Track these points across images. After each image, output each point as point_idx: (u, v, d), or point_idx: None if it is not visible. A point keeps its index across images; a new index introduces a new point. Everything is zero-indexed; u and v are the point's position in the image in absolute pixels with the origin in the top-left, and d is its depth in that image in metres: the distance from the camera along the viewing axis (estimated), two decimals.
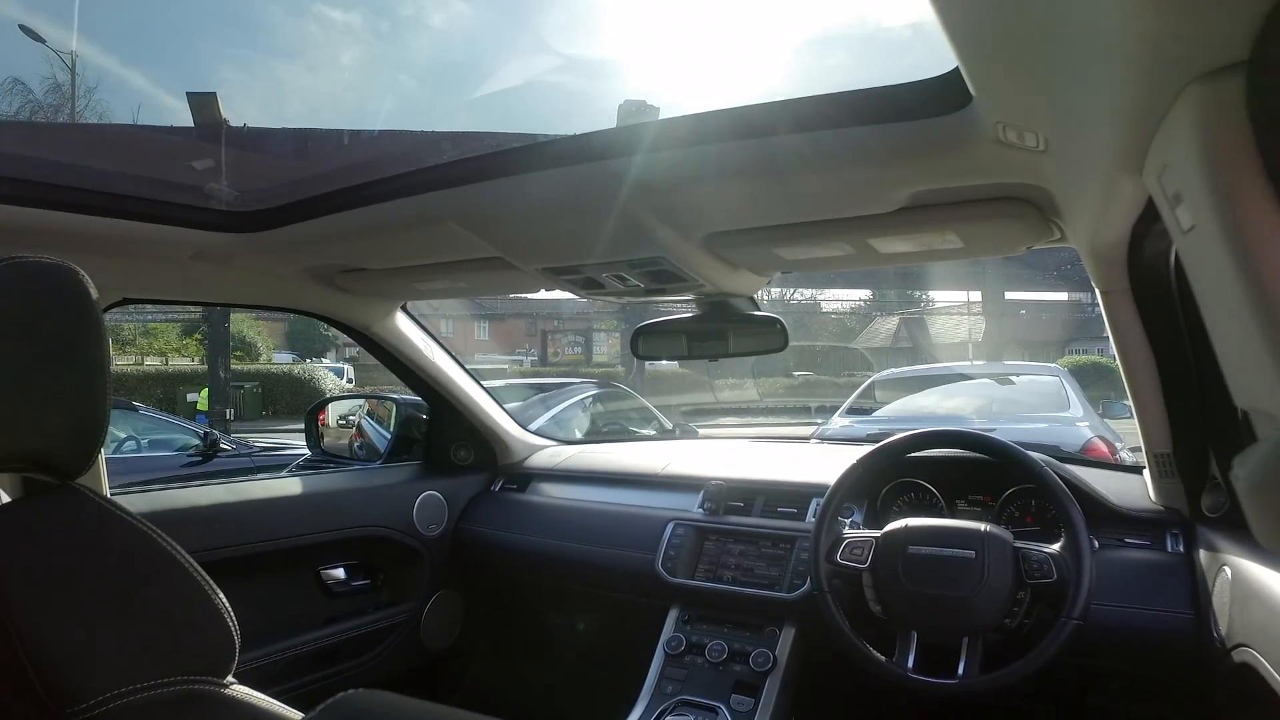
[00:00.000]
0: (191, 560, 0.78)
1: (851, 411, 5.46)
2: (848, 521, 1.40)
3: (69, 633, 0.69)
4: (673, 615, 1.49)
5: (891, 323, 26.85)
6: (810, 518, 1.44)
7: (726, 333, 1.41)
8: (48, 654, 0.68)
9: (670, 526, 1.54)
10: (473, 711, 0.59)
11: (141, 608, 0.74)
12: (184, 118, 1.38)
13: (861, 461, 1.32)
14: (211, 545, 1.36)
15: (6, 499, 0.81)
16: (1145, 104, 0.49)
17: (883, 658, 1.18)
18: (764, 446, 1.90)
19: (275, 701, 0.80)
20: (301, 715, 0.37)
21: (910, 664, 1.16)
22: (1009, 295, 23.20)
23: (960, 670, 1.13)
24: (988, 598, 1.13)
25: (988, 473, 1.40)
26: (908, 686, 1.14)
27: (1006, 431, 1.32)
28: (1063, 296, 25.37)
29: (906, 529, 1.23)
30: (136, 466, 5.62)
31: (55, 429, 0.76)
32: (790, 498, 1.50)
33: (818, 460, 1.65)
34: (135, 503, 1.35)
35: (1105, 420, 4.71)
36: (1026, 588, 1.14)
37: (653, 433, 6.90)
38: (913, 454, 1.33)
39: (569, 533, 1.68)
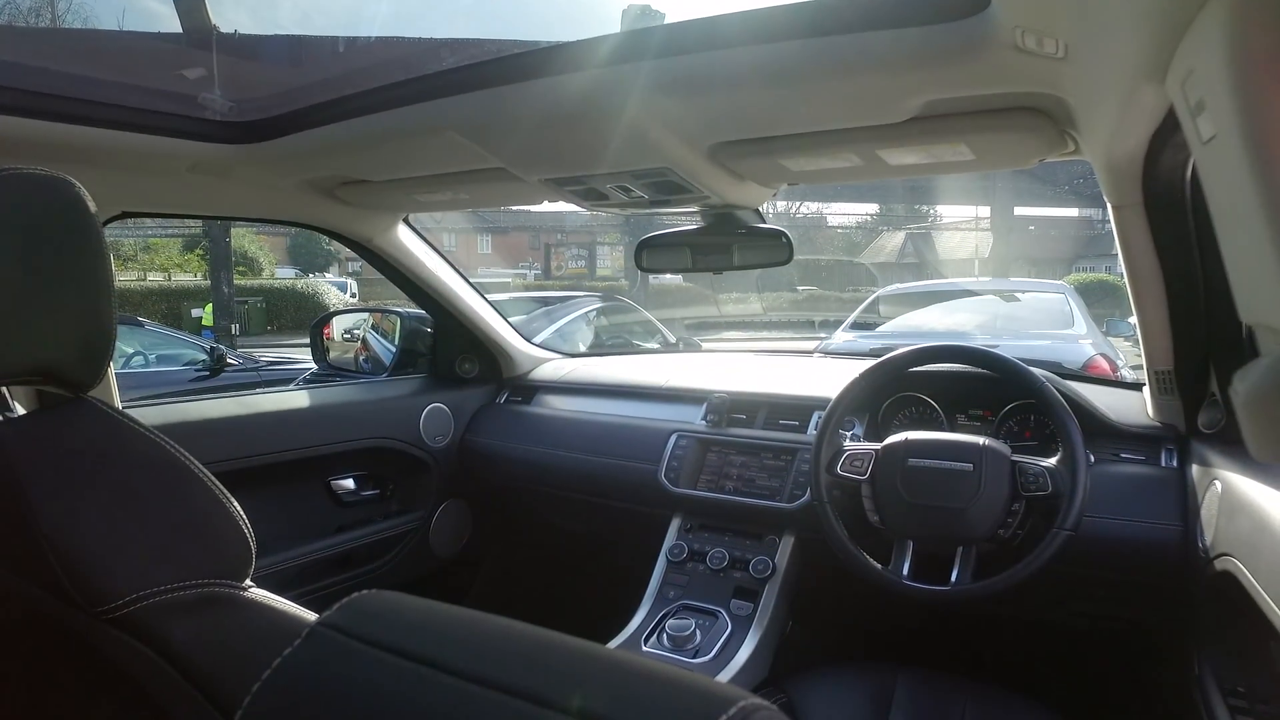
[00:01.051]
0: (205, 470, 0.80)
1: (855, 326, 5.47)
2: (848, 434, 1.43)
3: (92, 538, 0.72)
4: (675, 524, 1.54)
5: (898, 238, 26.55)
6: (812, 430, 1.47)
7: (731, 246, 1.40)
8: (75, 558, 0.71)
9: (673, 438, 1.57)
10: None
11: (159, 515, 0.76)
12: (170, 23, 1.33)
13: (864, 375, 1.33)
14: (223, 457, 1.39)
15: (22, 411, 0.83)
16: (1172, 7, 0.47)
17: (879, 566, 1.22)
18: (767, 360, 1.91)
19: (291, 603, 0.84)
20: (316, 615, 0.39)
21: (905, 572, 1.20)
22: (1018, 211, 22.86)
23: (953, 578, 1.17)
24: (983, 509, 1.16)
25: (989, 388, 1.41)
26: (902, 593, 1.19)
27: (1009, 348, 1.33)
28: (1073, 213, 24.99)
29: (906, 442, 1.25)
30: (146, 381, 5.70)
31: (64, 341, 0.77)
32: (792, 410, 1.53)
33: (820, 374, 1.67)
34: (147, 416, 1.37)
35: (1108, 338, 4.72)
36: (1021, 500, 1.17)
37: (656, 346, 6.94)
38: (915, 369, 1.34)
39: (573, 444, 1.71)
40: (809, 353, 1.96)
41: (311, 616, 0.80)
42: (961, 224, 25.90)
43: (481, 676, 0.32)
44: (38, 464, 0.72)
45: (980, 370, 1.31)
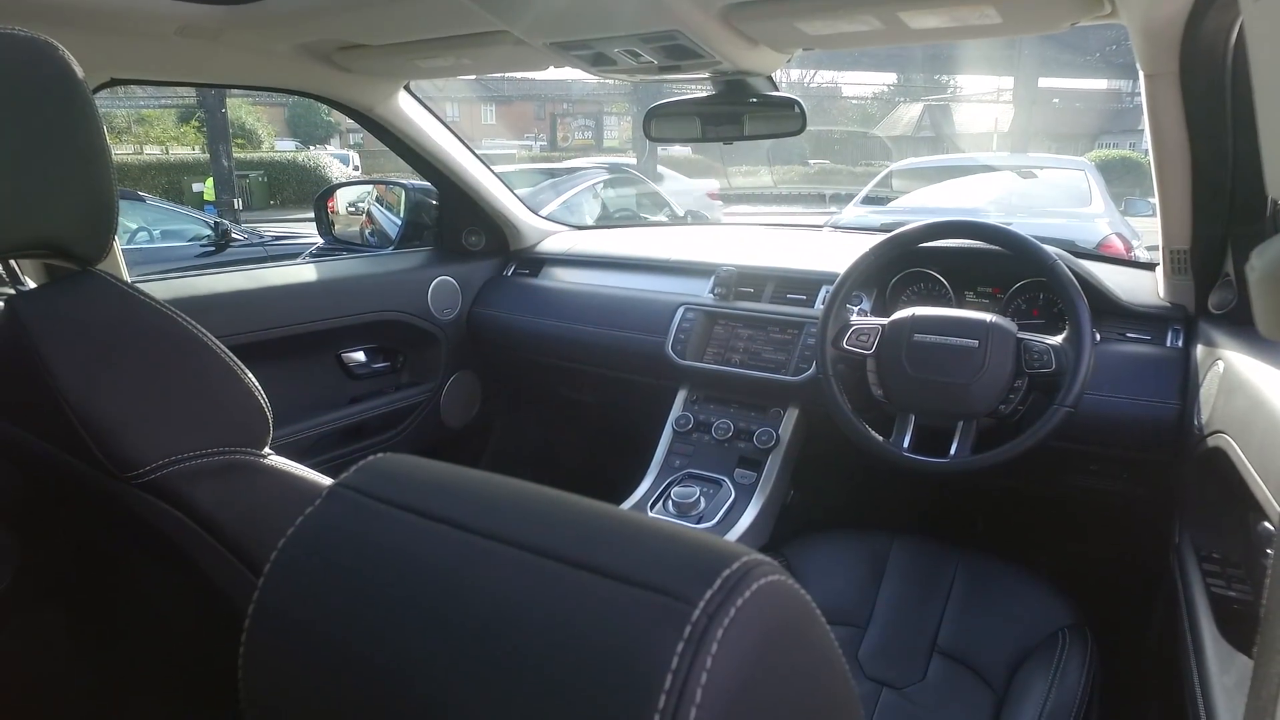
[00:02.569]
0: (218, 342, 0.82)
1: (867, 201, 5.36)
2: (855, 309, 1.43)
3: (116, 407, 0.74)
4: (681, 395, 1.57)
5: (915, 110, 25.51)
6: (819, 304, 1.47)
7: (742, 115, 1.35)
8: (101, 427, 0.73)
9: (680, 311, 1.58)
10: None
11: (178, 385, 0.78)
12: None
13: (873, 250, 1.32)
14: (234, 331, 1.40)
15: (33, 285, 0.83)
16: None
17: (880, 438, 1.25)
18: (776, 233, 1.89)
19: (309, 470, 0.87)
20: (333, 480, 0.41)
21: (905, 444, 1.23)
22: (1043, 83, 21.82)
23: (952, 451, 1.20)
24: (986, 385, 1.18)
25: (999, 265, 1.40)
26: (902, 465, 1.22)
27: (1023, 226, 1.30)
28: (1101, 85, 23.82)
29: (913, 318, 1.26)
30: (152, 257, 5.68)
31: (66, 213, 0.76)
32: (800, 285, 1.52)
33: (829, 248, 1.65)
34: (156, 290, 1.38)
35: (1126, 218, 4.62)
36: (1025, 376, 1.19)
37: (664, 219, 6.84)
38: (925, 244, 1.33)
39: (581, 316, 1.72)
40: (819, 227, 1.93)
41: (328, 482, 0.83)
42: (982, 96, 24.81)
43: (496, 533, 0.34)
44: (54, 335, 0.73)
45: (991, 247, 1.29)
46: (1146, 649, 1.28)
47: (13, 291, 0.84)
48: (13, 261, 0.90)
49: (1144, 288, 1.34)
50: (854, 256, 1.33)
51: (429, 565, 0.34)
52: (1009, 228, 1.27)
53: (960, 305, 1.44)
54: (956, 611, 1.21)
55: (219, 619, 0.86)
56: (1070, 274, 1.19)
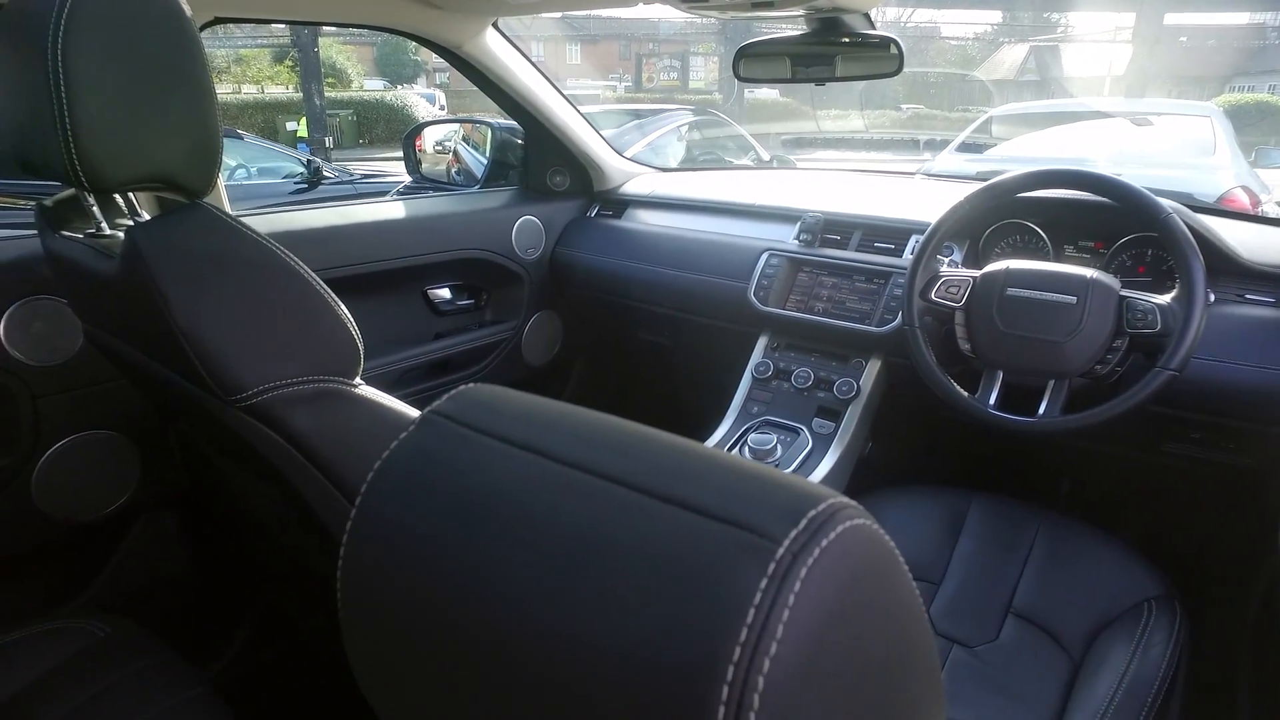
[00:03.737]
0: (314, 275, 0.85)
1: (964, 148, 5.10)
2: (946, 260, 1.37)
3: (221, 334, 0.78)
4: (762, 342, 1.55)
5: (1020, 51, 23.93)
6: (908, 254, 1.42)
7: (835, 55, 1.30)
8: (209, 352, 0.77)
9: (764, 256, 1.55)
10: None
11: (277, 315, 0.81)
12: None
13: (968, 199, 1.26)
14: (327, 264, 1.45)
15: (148, 217, 0.88)
16: None
17: (965, 394, 1.22)
18: (865, 179, 1.83)
19: (397, 400, 0.90)
20: (420, 412, 0.42)
21: (991, 401, 1.19)
22: (1169, 19, 20.12)
23: (1040, 410, 1.16)
24: (1081, 343, 1.12)
25: (1105, 217, 1.32)
26: (987, 422, 1.19)
27: (1135, 178, 1.21)
28: (1240, 19, 21.76)
29: (1007, 271, 1.20)
30: (249, 193, 5.90)
31: (177, 148, 0.80)
32: (889, 233, 1.47)
33: (921, 196, 1.59)
34: (255, 224, 1.44)
35: (1255, 170, 4.27)
36: (1125, 336, 1.12)
37: (749, 163, 6.71)
38: (1024, 194, 1.26)
39: (663, 259, 1.71)
40: (910, 174, 1.85)
41: (415, 413, 0.87)
42: (1096, 36, 23.07)
43: (583, 463, 0.34)
44: (167, 264, 0.77)
45: (1097, 198, 1.22)
46: (1241, 630, 1.22)
47: (131, 223, 0.90)
48: (131, 194, 0.95)
49: (1269, 245, 1.24)
50: (947, 205, 1.28)
51: (516, 492, 0.35)
52: (1118, 178, 1.19)
53: (1058, 259, 1.37)
54: (1035, 574, 1.18)
55: (312, 533, 0.92)
56: (1184, 228, 1.11)
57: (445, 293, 1.79)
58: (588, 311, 1.96)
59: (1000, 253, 1.41)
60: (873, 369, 1.43)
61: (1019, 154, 4.68)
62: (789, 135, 12.23)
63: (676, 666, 0.27)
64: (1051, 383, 1.16)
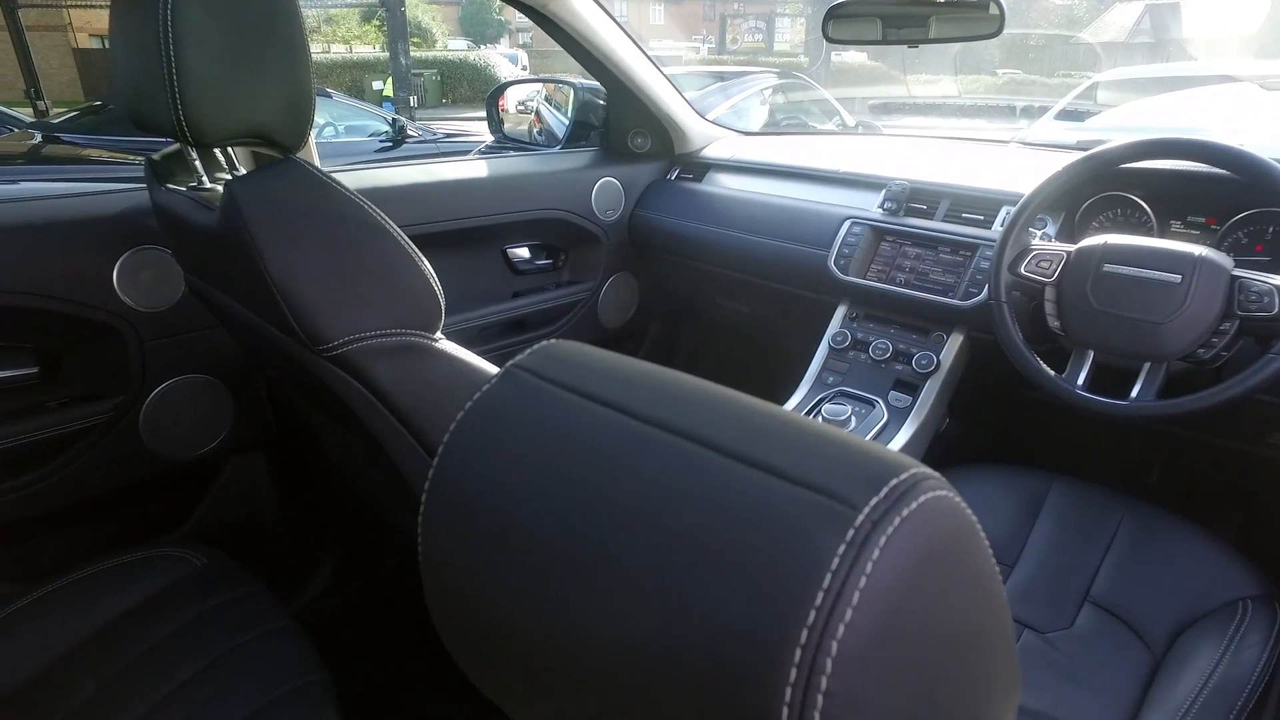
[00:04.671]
0: (399, 230, 0.87)
1: (1064, 115, 4.81)
2: (1039, 233, 1.31)
3: (311, 285, 0.81)
4: (840, 311, 1.52)
5: (1133, 10, 22.31)
6: (998, 226, 1.36)
7: (929, 16, 1.25)
8: (299, 303, 0.80)
9: (846, 224, 1.52)
10: None
11: (363, 268, 0.84)
12: None
13: (1067, 169, 1.20)
14: (411, 221, 1.49)
15: (244, 171, 0.92)
16: None
17: (1052, 373, 1.17)
18: (956, 147, 1.75)
19: (475, 355, 0.93)
20: (497, 369, 0.43)
21: (1080, 382, 1.14)
22: None
23: (1133, 393, 1.10)
24: (1184, 325, 1.06)
25: (1219, 191, 1.23)
26: (1074, 404, 1.14)
27: (1259, 148, 1.11)
28: None
29: (1105, 246, 1.14)
30: (336, 151, 6.06)
31: (273, 104, 0.83)
32: (978, 203, 1.41)
33: (1015, 165, 1.52)
34: (343, 180, 1.48)
35: None
36: (1235, 319, 1.05)
37: (833, 128, 6.53)
38: (1129, 165, 1.19)
39: (742, 224, 1.69)
40: (1004, 142, 1.76)
41: (493, 369, 0.88)
42: None
43: (663, 421, 0.35)
44: (262, 217, 0.80)
45: (1214, 170, 1.14)
46: None
47: (230, 176, 0.93)
48: (230, 149, 0.99)
49: None
50: (1043, 175, 1.22)
51: (596, 447, 0.35)
52: (1240, 147, 1.11)
53: (1164, 235, 1.29)
54: (1117, 562, 1.14)
55: (391, 483, 0.96)
56: None
57: (524, 252, 1.81)
58: (665, 275, 1.95)
59: (1098, 227, 1.34)
60: (954, 343, 1.39)
61: (1126, 122, 4.39)
62: (876, 100, 11.80)
63: (749, 627, 0.27)
64: (1147, 365, 1.10)
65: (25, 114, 8.01)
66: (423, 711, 1.35)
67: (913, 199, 1.48)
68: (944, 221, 1.43)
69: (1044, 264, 1.19)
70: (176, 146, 1.09)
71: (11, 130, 6.52)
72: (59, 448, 1.26)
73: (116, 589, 1.10)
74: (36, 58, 9.30)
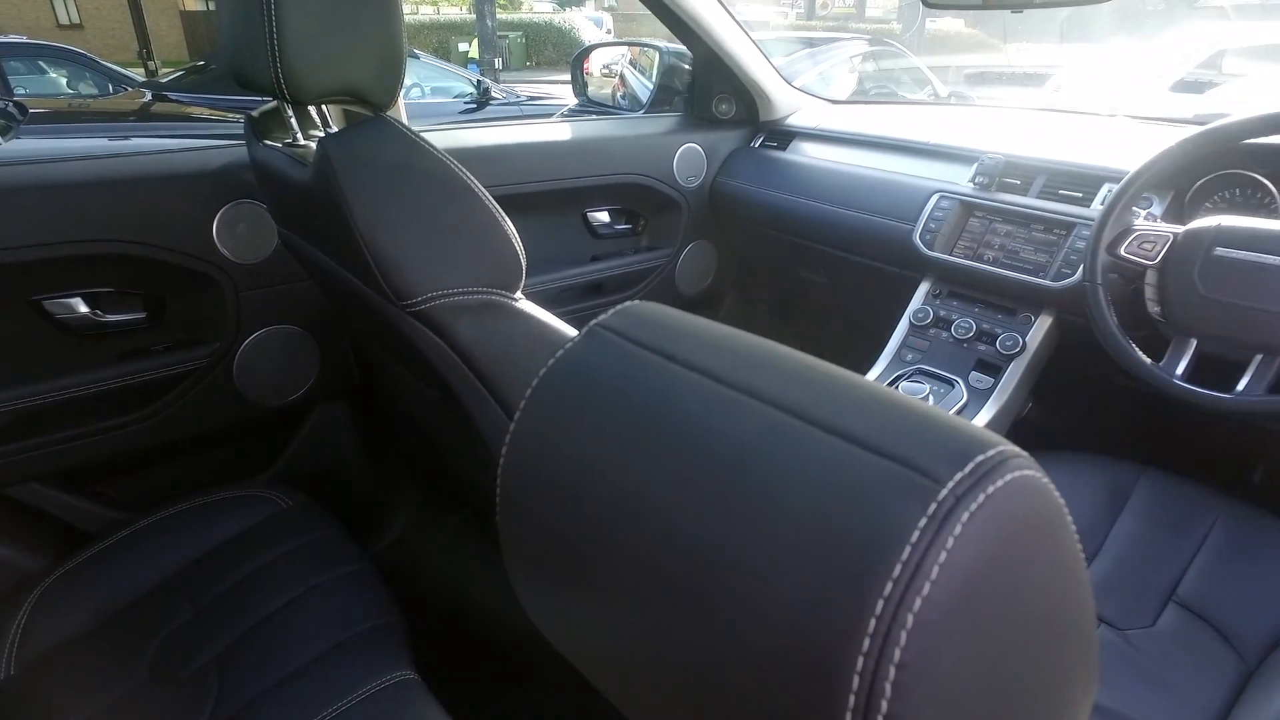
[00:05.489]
0: (484, 190, 0.88)
1: (1181, 86, 4.46)
2: (1143, 213, 1.24)
3: (396, 241, 0.83)
4: (923, 288, 1.48)
5: None
6: (1097, 205, 1.29)
7: None
8: (385, 258, 0.83)
9: (934, 198, 1.46)
10: None
11: (448, 226, 0.86)
12: None
13: (1181, 144, 1.12)
14: (494, 182, 1.51)
15: (336, 129, 0.94)
16: None
17: (1148, 360, 1.11)
18: (1055, 120, 1.66)
19: (554, 316, 0.94)
20: (575, 330, 0.43)
21: (1179, 371, 1.08)
22: None
23: (1240, 386, 1.03)
24: None
25: None
26: (1170, 394, 1.08)
27: None
28: None
29: (1218, 228, 1.07)
30: (422, 112, 6.17)
31: (366, 63, 0.85)
32: (1077, 179, 1.34)
33: (1121, 140, 1.43)
34: (430, 139, 1.51)
35: None
36: None
37: (924, 98, 6.30)
38: (1254, 140, 1.11)
39: (826, 195, 1.65)
40: (1111, 115, 1.66)
41: (572, 331, 0.89)
42: None
43: (745, 386, 0.34)
44: (353, 173, 0.83)
45: None
46: None
47: (323, 133, 0.96)
48: (324, 107, 1.02)
49: None
50: (1153, 151, 1.14)
51: (678, 409, 0.35)
52: None
53: None
54: (1209, 563, 1.08)
55: (468, 440, 0.98)
56: None
57: (604, 216, 1.82)
58: (744, 244, 1.93)
59: (1211, 207, 1.25)
60: (1042, 325, 1.33)
61: (1253, 94, 4.06)
62: (972, 70, 11.27)
63: (824, 595, 0.27)
64: (1259, 357, 1.04)
65: (137, 74, 8.42)
66: (492, 663, 1.40)
67: (1006, 173, 1.41)
68: (1039, 198, 1.37)
69: (1146, 246, 1.12)
70: (274, 104, 1.13)
71: (125, 89, 6.88)
72: (163, 389, 1.34)
73: (211, 524, 1.17)
74: (148, 21, 9.74)
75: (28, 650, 1.00)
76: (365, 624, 1.00)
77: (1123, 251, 1.14)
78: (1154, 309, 1.13)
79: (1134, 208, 1.20)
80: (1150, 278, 1.12)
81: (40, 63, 7.42)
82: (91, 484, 1.38)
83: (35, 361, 1.26)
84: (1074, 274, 1.26)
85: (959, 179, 1.47)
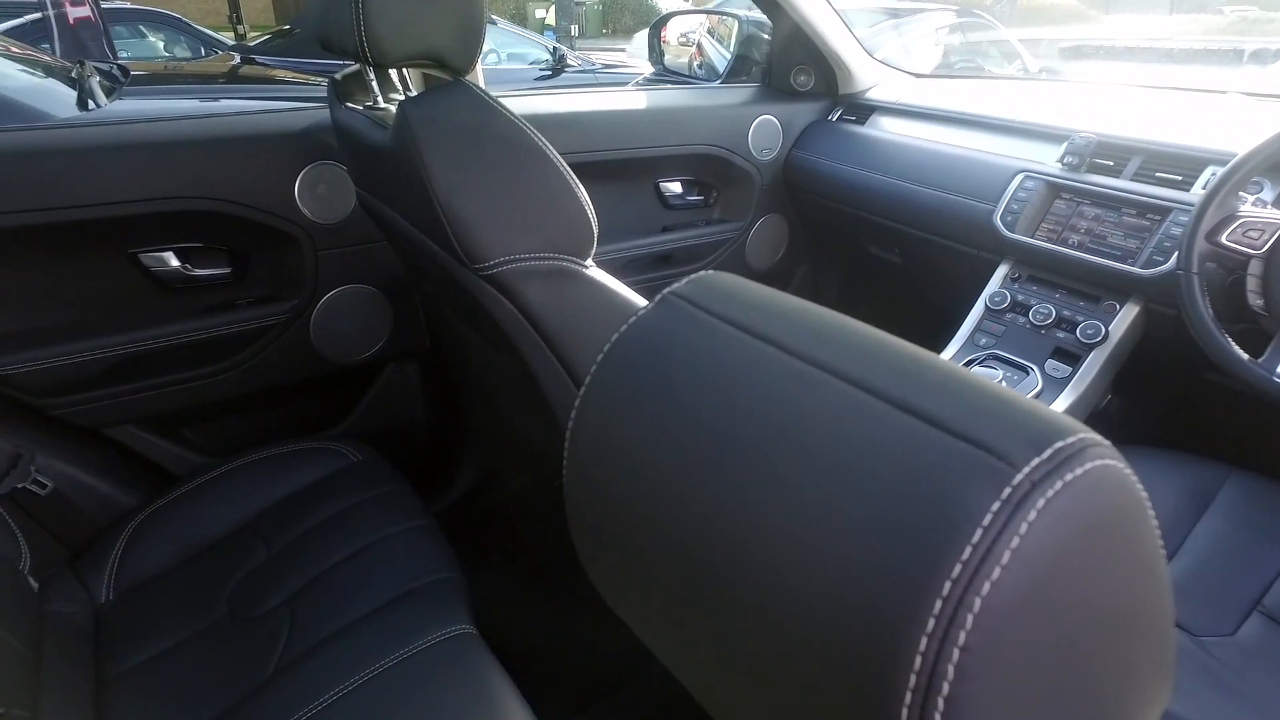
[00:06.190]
0: (559, 157, 0.89)
1: None
2: (1251, 199, 1.16)
3: (472, 205, 0.84)
4: (1001, 270, 1.43)
5: None
6: (1199, 189, 1.22)
7: None
8: (460, 222, 0.84)
9: (1019, 178, 1.40)
10: None
11: (523, 191, 0.86)
12: None
13: None
14: (568, 149, 1.51)
15: (415, 93, 0.96)
16: None
17: (1245, 356, 1.05)
18: (1158, 98, 1.57)
19: (624, 286, 0.94)
20: (644, 301, 0.43)
21: None
22: None
23: None
24: None
25: None
26: (1269, 392, 1.02)
27: None
28: None
29: None
30: (498, 78, 6.20)
31: (447, 28, 0.85)
32: (1177, 162, 1.26)
33: (1231, 119, 1.34)
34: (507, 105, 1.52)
35: None
36: None
37: (1013, 73, 6.03)
38: None
39: (904, 171, 1.60)
40: (1223, 92, 1.55)
41: (641, 300, 0.89)
42: None
43: (819, 360, 0.34)
44: (431, 135, 0.84)
45: None
46: None
47: (403, 97, 0.98)
48: (404, 71, 1.03)
49: None
50: (1269, 132, 1.07)
51: (751, 380, 0.35)
52: None
53: None
54: None
55: (532, 400, 1.00)
56: None
57: (676, 186, 1.80)
58: (817, 219, 1.89)
59: None
60: (1128, 314, 1.27)
61: None
62: (1068, 43, 10.66)
63: (892, 574, 0.27)
64: None
65: (227, 37, 8.70)
66: (549, 623, 1.43)
67: (1099, 154, 1.34)
68: (1133, 180, 1.30)
69: (1252, 234, 1.05)
70: (357, 68, 1.15)
71: (216, 52, 7.12)
72: (245, 342, 1.40)
73: (287, 473, 1.23)
74: None
75: (124, 579, 1.07)
76: (428, 577, 1.03)
77: (1225, 239, 1.07)
78: (1256, 302, 1.06)
79: (1241, 193, 1.12)
80: (1254, 268, 1.06)
81: (141, 27, 7.73)
82: (179, 429, 1.45)
83: (132, 311, 1.33)
84: (1166, 261, 1.20)
85: (1046, 159, 1.40)
